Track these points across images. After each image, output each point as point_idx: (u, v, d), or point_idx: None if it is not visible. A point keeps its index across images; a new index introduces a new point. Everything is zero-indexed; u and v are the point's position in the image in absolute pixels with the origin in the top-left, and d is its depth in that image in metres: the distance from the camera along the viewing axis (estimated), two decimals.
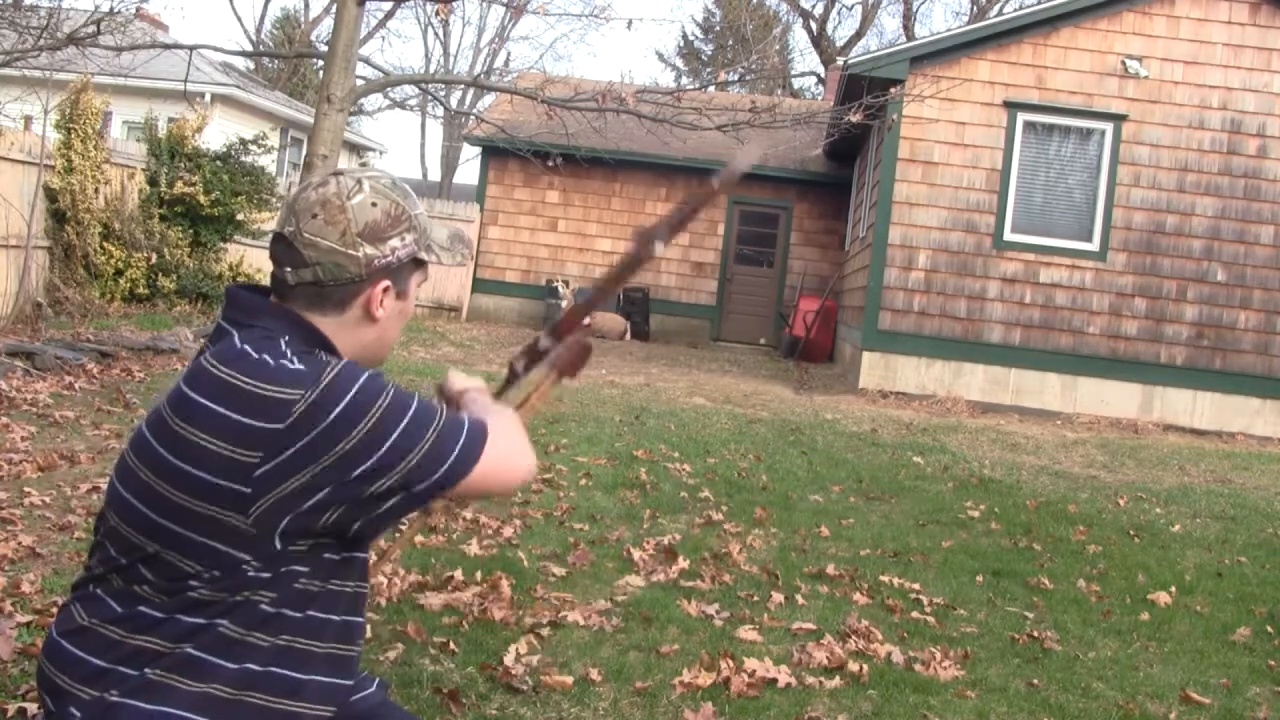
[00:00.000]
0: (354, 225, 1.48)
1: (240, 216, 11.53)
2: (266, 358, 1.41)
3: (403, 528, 2.63)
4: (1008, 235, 11.25)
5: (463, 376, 1.89)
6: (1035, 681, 3.52)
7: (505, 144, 11.98)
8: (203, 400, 1.39)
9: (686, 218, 1.69)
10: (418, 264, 1.58)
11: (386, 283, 1.52)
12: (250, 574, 1.39)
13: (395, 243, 1.52)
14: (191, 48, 8.75)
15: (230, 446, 1.36)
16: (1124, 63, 11.08)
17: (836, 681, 3.33)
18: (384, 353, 1.60)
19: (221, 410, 1.37)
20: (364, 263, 1.49)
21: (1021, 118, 11.24)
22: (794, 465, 6.88)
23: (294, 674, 1.45)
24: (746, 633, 3.69)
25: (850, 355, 12.77)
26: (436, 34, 37.86)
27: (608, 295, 1.85)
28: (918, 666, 3.53)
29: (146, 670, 1.39)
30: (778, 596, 4.12)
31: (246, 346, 1.43)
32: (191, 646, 1.40)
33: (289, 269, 1.49)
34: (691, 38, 38.41)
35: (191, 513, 1.38)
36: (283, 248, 1.50)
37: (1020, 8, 13.57)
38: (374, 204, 1.50)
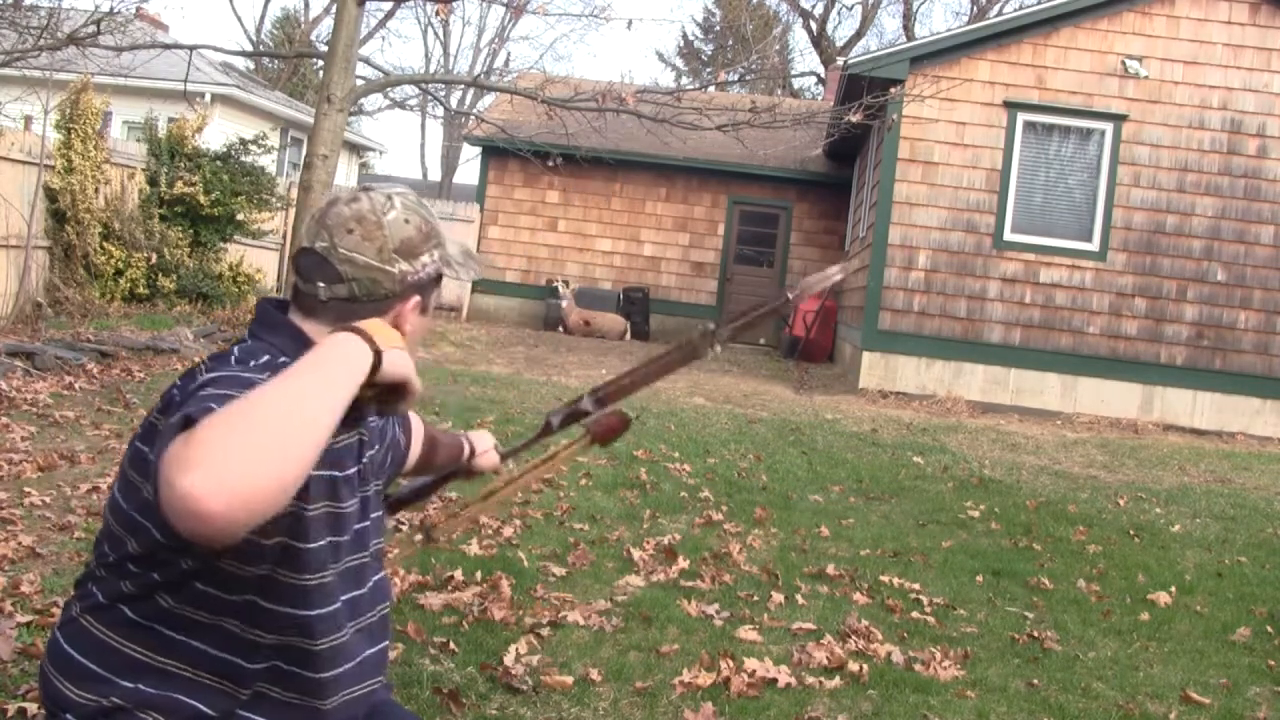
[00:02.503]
0: (390, 242, 1.49)
1: (240, 216, 11.52)
2: (235, 355, 1.43)
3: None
4: (1008, 235, 11.25)
5: (486, 436, 2.04)
6: (1035, 681, 3.52)
7: (505, 144, 11.99)
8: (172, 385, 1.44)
9: (753, 323, 1.70)
10: (439, 279, 1.59)
11: (417, 298, 1.53)
12: (179, 570, 1.38)
13: (426, 259, 1.53)
14: (191, 48, 8.75)
15: (156, 414, 1.39)
16: (1124, 63, 11.08)
17: (836, 681, 3.33)
18: None
19: (171, 387, 1.41)
20: (399, 278, 1.49)
21: (1021, 118, 11.24)
22: (794, 465, 6.88)
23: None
24: (746, 633, 3.69)
25: (850, 355, 12.77)
26: (436, 34, 37.91)
27: (657, 378, 1.81)
28: (918, 666, 3.53)
29: (140, 684, 1.40)
30: (778, 596, 4.12)
31: (236, 348, 1.45)
32: (176, 663, 1.41)
33: (322, 284, 1.48)
34: (691, 38, 38.45)
35: (132, 487, 1.39)
36: (314, 262, 1.48)
37: (1020, 8, 13.57)
38: (407, 220, 1.51)
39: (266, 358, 1.43)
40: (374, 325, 1.31)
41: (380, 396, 1.35)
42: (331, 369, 1.23)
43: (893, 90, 9.49)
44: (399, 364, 1.32)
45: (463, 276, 1.60)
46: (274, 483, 1.06)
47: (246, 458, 1.05)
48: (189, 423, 1.14)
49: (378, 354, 1.28)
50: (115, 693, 1.40)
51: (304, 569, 1.43)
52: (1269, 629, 4.34)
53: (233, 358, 1.42)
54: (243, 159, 11.67)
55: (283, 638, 1.44)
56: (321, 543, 1.45)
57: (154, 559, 1.38)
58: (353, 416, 1.49)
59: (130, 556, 1.39)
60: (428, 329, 1.59)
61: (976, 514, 5.93)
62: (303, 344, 1.47)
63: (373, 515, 1.62)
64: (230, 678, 1.43)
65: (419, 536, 1.96)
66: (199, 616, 1.40)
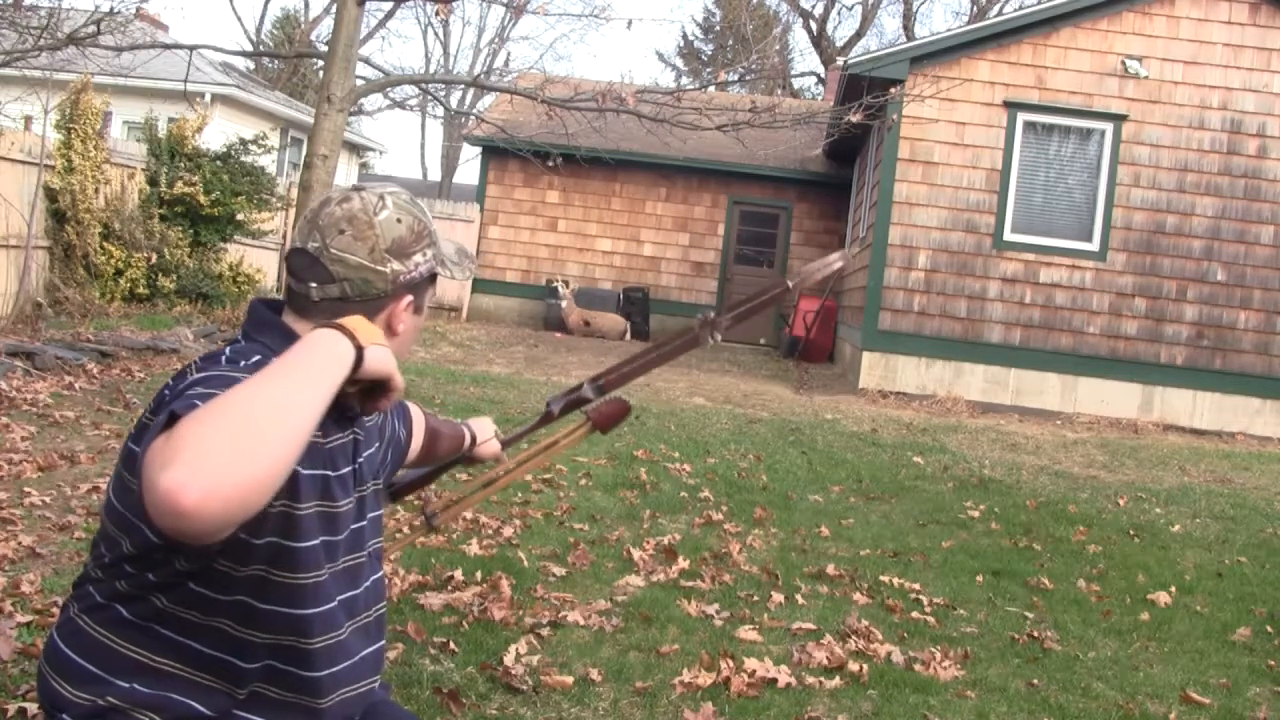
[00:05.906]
0: (382, 241, 1.48)
1: (240, 216, 11.52)
2: (226, 355, 1.43)
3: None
4: (1008, 235, 11.25)
5: (487, 424, 2.03)
6: (1035, 681, 3.52)
7: (505, 144, 11.98)
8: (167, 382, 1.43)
9: (753, 310, 1.73)
10: (432, 278, 1.58)
11: (410, 298, 1.53)
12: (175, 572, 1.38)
13: (419, 258, 1.52)
14: (191, 48, 8.76)
15: (148, 414, 1.38)
16: (1124, 63, 11.08)
17: (836, 681, 3.33)
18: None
19: (164, 388, 1.40)
20: (390, 278, 1.49)
21: (1021, 118, 11.24)
22: (794, 465, 6.88)
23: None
24: (746, 633, 3.69)
25: (850, 355, 12.77)
26: (436, 34, 37.91)
27: (661, 363, 1.85)
28: (918, 666, 3.53)
29: (135, 684, 1.40)
30: (778, 596, 4.12)
31: (228, 348, 1.45)
32: (172, 663, 1.40)
33: (314, 285, 1.47)
34: (691, 38, 38.46)
35: (126, 486, 1.38)
36: (306, 262, 1.48)
37: (1020, 8, 13.57)
38: (399, 220, 1.51)
39: (258, 357, 1.42)
40: (356, 322, 1.30)
41: (363, 393, 1.35)
42: (313, 365, 1.21)
43: (893, 90, 9.49)
44: (381, 360, 1.30)
45: (457, 276, 1.60)
46: (251, 480, 1.04)
47: (224, 454, 1.03)
48: (173, 420, 1.13)
49: (359, 350, 1.26)
50: (111, 693, 1.40)
51: (297, 568, 1.41)
52: (1269, 629, 4.34)
53: (224, 358, 1.42)
54: (243, 159, 11.67)
55: (277, 637, 1.43)
56: (315, 542, 1.43)
57: (148, 559, 1.37)
58: (346, 416, 1.49)
59: (125, 557, 1.39)
60: (420, 327, 1.60)
61: (976, 514, 5.93)
62: (293, 343, 1.46)
63: (370, 515, 1.61)
64: (226, 677, 1.43)
65: (421, 523, 1.97)
66: (192, 616, 1.39)
